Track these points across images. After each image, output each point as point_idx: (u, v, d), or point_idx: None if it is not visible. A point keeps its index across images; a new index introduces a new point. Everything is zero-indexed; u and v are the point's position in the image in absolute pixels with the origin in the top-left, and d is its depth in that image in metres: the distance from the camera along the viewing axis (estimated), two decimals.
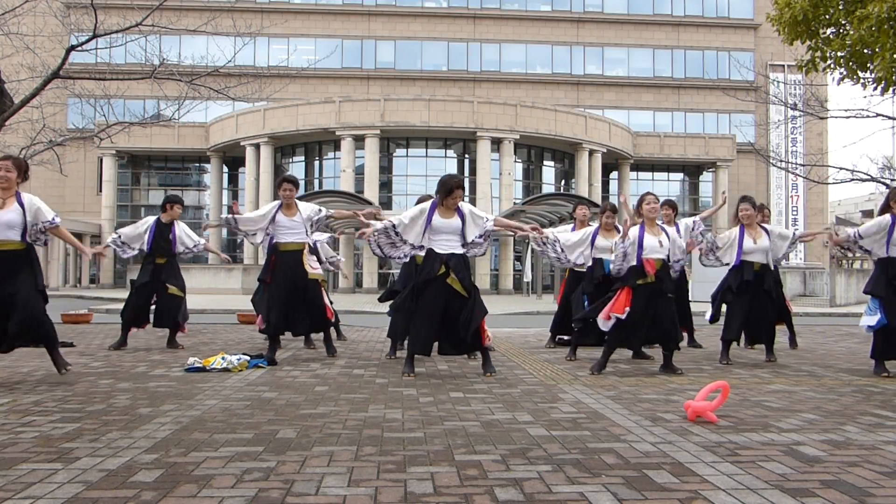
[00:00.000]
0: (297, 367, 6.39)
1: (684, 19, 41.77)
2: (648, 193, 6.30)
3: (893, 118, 13.24)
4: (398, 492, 2.69)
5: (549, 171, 37.39)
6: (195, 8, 29.06)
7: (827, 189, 39.84)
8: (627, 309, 5.96)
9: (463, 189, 6.05)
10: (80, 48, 10.12)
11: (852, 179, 13.99)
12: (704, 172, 40.60)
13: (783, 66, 37.16)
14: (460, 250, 5.99)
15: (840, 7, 9.26)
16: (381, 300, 7.95)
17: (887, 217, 6.17)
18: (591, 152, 35.38)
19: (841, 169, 14.31)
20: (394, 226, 6.05)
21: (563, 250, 7.45)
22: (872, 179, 14.94)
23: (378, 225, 6.17)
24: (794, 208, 40.77)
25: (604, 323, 6.13)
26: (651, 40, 41.59)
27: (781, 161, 27.83)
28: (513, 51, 40.90)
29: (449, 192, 5.95)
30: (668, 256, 6.17)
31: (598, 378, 5.78)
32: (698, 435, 3.69)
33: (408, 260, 6.85)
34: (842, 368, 6.68)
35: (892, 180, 15.71)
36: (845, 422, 4.08)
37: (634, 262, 6.05)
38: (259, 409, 4.36)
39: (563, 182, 37.55)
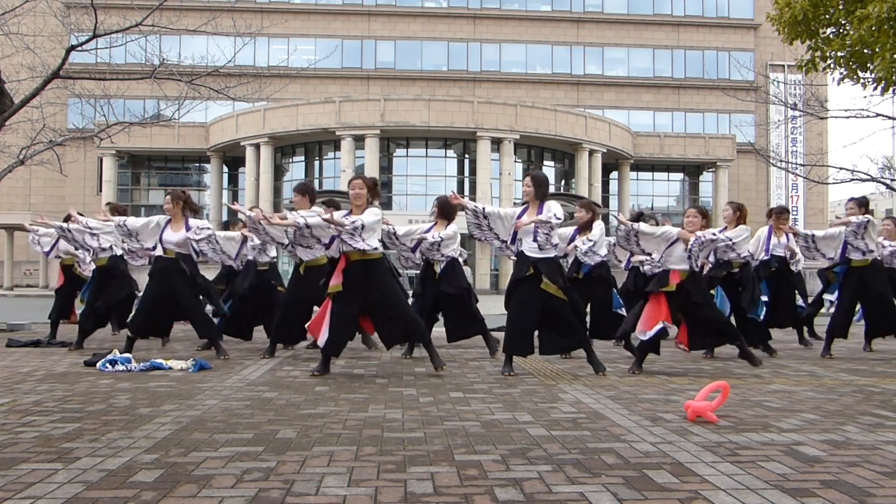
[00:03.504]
0: (297, 367, 6.39)
1: (684, 19, 41.77)
2: (692, 208, 6.52)
3: (893, 118, 13.23)
4: (398, 492, 2.69)
5: (549, 171, 37.32)
6: (195, 8, 29.07)
7: (827, 189, 39.83)
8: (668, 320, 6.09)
9: (532, 178, 6.08)
10: (80, 48, 10.10)
11: (852, 179, 13.97)
12: (704, 172, 40.60)
13: (783, 66, 37.13)
14: (550, 254, 5.98)
15: (840, 7, 9.25)
16: None
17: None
18: (591, 152, 35.38)
19: (841, 169, 14.29)
20: (483, 210, 6.08)
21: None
22: (872, 179, 14.92)
23: (469, 204, 6.14)
24: (795, 208, 40.75)
25: (643, 333, 6.16)
26: (651, 40, 41.59)
27: (781, 161, 27.81)
28: (513, 51, 40.89)
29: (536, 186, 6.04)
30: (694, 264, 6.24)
31: (598, 378, 5.78)
32: (698, 435, 3.69)
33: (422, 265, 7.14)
34: (842, 368, 6.68)
35: (892, 180, 15.70)
36: (845, 422, 4.08)
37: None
38: (259, 409, 4.36)
39: (563, 182, 37.56)
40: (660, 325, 6.08)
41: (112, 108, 13.11)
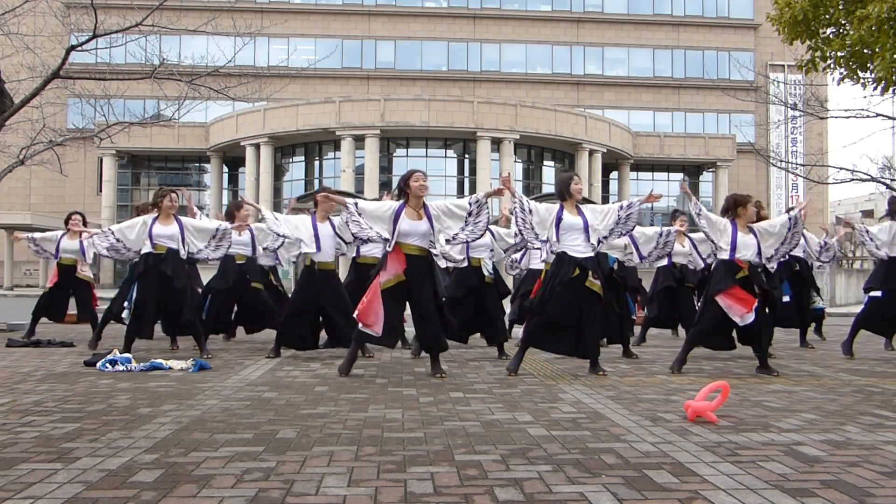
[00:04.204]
0: (297, 367, 6.39)
1: (684, 19, 41.75)
2: (757, 200, 6.50)
3: (893, 118, 13.23)
4: (398, 492, 2.69)
5: (549, 171, 37.36)
6: (195, 8, 29.04)
7: (827, 189, 39.78)
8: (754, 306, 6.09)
9: (578, 177, 6.07)
10: (80, 48, 10.09)
11: (852, 179, 13.96)
12: (704, 172, 40.58)
13: (783, 66, 37.12)
14: (591, 252, 5.90)
15: (840, 7, 9.25)
16: None
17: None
18: (591, 152, 35.36)
19: (841, 169, 14.28)
20: (528, 202, 5.97)
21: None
22: (872, 179, 14.92)
23: (517, 192, 6.02)
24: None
25: (742, 320, 6.14)
26: (651, 40, 41.57)
27: (781, 161, 27.80)
28: (513, 51, 40.87)
29: (568, 184, 5.98)
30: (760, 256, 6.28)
31: (598, 378, 5.79)
32: (698, 435, 3.69)
33: (465, 265, 7.02)
34: (842, 368, 6.68)
35: (892, 180, 15.70)
36: (845, 422, 4.08)
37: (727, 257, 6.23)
38: (259, 409, 4.36)
39: None
40: (756, 305, 6.09)
41: (112, 108, 13.09)
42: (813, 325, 9.42)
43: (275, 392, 4.98)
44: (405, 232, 5.78)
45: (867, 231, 7.64)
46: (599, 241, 6.03)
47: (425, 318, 5.84)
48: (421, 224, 5.81)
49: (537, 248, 6.89)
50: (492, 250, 7.43)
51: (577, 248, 5.87)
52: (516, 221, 6.10)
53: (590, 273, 5.82)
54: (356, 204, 5.91)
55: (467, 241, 6.16)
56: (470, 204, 5.91)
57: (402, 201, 5.94)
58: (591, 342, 5.98)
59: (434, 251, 6.02)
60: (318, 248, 6.91)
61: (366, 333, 5.81)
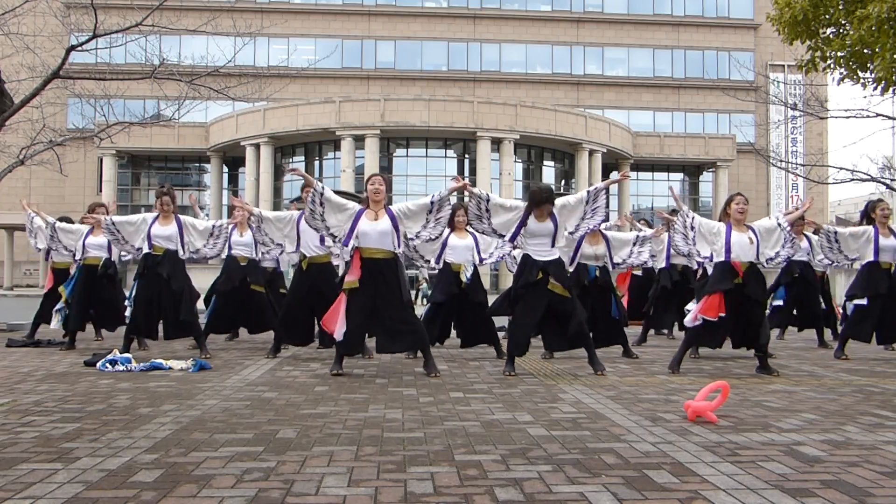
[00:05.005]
0: (297, 367, 6.39)
1: (684, 19, 41.77)
2: (738, 194, 6.32)
3: (893, 118, 13.22)
4: (398, 492, 2.69)
5: (549, 171, 37.40)
6: (195, 8, 29.03)
7: (827, 189, 39.81)
8: (721, 315, 6.00)
9: (551, 203, 5.94)
10: (80, 48, 10.08)
11: (852, 179, 13.95)
12: (704, 172, 40.60)
13: (783, 66, 37.13)
14: (555, 255, 5.97)
15: (840, 7, 9.25)
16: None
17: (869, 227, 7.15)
18: (591, 152, 35.38)
19: (841, 169, 14.27)
20: (487, 199, 5.93)
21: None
22: (872, 179, 14.90)
23: (474, 190, 6.00)
24: (795, 208, 40.74)
25: (692, 318, 6.16)
26: (651, 40, 41.60)
27: (781, 161, 27.82)
28: (513, 51, 40.90)
29: (536, 205, 5.91)
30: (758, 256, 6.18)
31: (598, 378, 5.79)
32: (698, 435, 3.69)
33: (441, 266, 7.02)
34: (842, 368, 6.68)
35: (892, 180, 15.69)
36: (845, 422, 4.08)
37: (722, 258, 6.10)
38: (259, 409, 4.36)
39: (563, 182, 37.55)
40: (700, 321, 6.07)
41: (112, 108, 13.09)
42: (777, 330, 9.41)
43: (275, 392, 4.99)
44: (363, 232, 5.82)
45: (836, 233, 7.33)
46: (573, 232, 6.04)
47: (392, 320, 5.86)
48: (378, 224, 5.84)
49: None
50: (483, 259, 7.38)
51: (542, 251, 5.92)
52: (470, 217, 6.07)
53: (550, 277, 5.85)
54: (321, 193, 5.87)
55: (430, 238, 6.15)
56: (433, 201, 5.95)
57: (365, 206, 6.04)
58: (580, 333, 5.99)
59: (398, 251, 6.00)
60: (299, 245, 6.98)
61: (335, 340, 5.93)
